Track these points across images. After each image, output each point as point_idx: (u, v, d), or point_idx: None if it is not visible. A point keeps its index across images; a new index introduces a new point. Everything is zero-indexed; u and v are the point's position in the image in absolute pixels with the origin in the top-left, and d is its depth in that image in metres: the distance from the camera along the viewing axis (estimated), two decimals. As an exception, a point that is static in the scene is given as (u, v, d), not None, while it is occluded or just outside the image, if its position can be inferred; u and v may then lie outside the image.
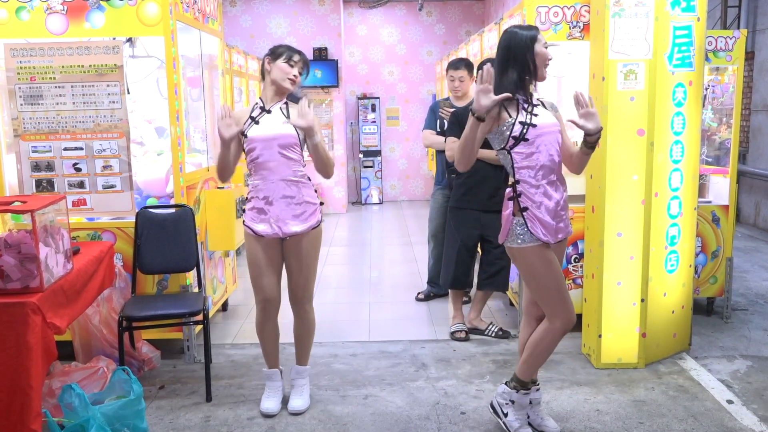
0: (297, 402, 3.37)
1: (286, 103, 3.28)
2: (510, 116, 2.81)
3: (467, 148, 2.81)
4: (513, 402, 3.05)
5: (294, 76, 3.22)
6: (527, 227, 2.83)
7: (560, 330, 2.91)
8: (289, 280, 3.35)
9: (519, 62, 2.80)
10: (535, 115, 2.82)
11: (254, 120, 3.21)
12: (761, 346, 4.16)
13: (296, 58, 3.23)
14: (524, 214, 2.83)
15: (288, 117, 3.22)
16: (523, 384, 3.03)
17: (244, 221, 3.30)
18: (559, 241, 2.93)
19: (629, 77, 3.58)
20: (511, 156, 2.84)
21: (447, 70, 4.85)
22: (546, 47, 2.85)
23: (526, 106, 2.84)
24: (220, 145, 3.21)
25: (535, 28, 2.88)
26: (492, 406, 3.14)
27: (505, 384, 3.09)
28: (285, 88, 3.23)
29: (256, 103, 3.28)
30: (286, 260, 3.31)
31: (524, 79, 2.82)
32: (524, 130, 2.79)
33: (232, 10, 9.87)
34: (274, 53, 3.24)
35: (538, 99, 2.90)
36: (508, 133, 2.81)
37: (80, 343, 3.66)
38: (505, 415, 3.07)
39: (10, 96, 3.81)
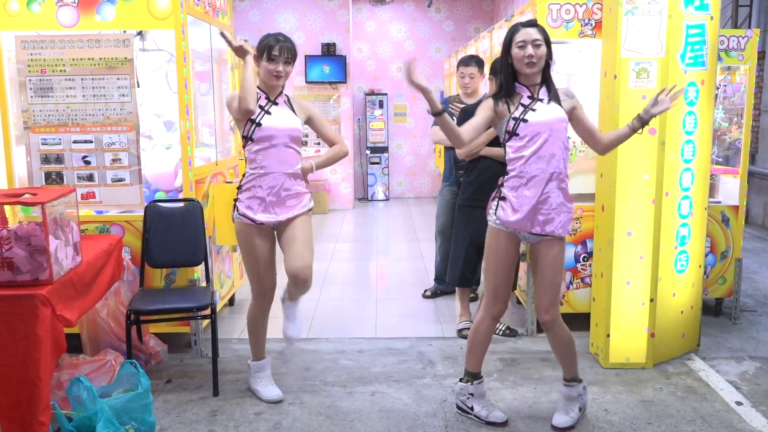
0: (294, 329, 3.48)
1: (287, 95, 3.31)
2: (509, 111, 2.95)
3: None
4: (473, 394, 3.20)
5: (277, 72, 3.16)
6: (501, 211, 2.99)
7: (488, 318, 3.12)
8: (290, 255, 3.26)
9: (503, 60, 2.97)
10: (533, 110, 2.91)
11: (264, 109, 3.19)
12: (770, 348, 4.14)
13: (275, 52, 3.14)
14: (500, 203, 3.00)
15: (293, 110, 3.27)
16: (475, 375, 3.20)
17: (237, 211, 3.24)
18: (536, 234, 2.99)
19: (641, 75, 3.56)
20: (506, 148, 3.00)
21: (458, 67, 4.83)
22: (522, 46, 2.87)
23: (526, 102, 2.94)
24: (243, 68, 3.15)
25: (523, 24, 2.93)
26: (458, 408, 3.27)
27: (460, 381, 3.25)
28: (274, 85, 3.23)
29: (258, 94, 3.20)
30: (284, 239, 3.30)
31: (510, 76, 2.96)
32: (515, 126, 2.91)
33: (240, 4, 9.86)
34: (259, 50, 3.19)
35: (546, 93, 2.96)
36: (504, 127, 2.96)
37: (88, 336, 3.67)
38: (471, 408, 3.20)
39: (21, 88, 3.81)
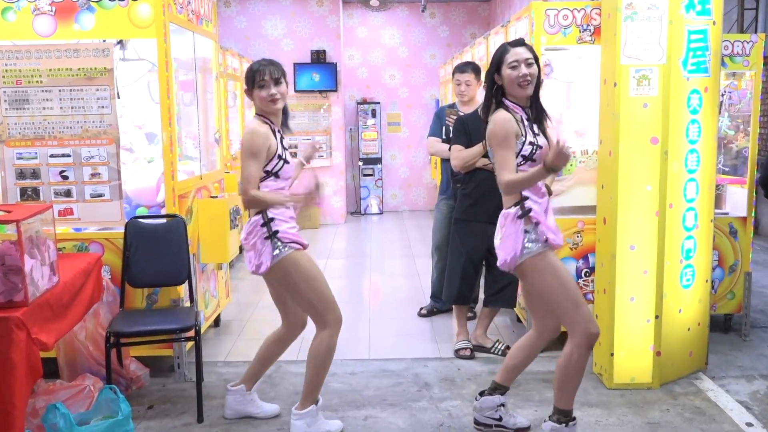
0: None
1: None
2: (522, 134, 2.94)
3: (522, 187, 2.92)
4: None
5: (271, 95, 3.12)
6: (542, 237, 2.94)
7: (585, 344, 2.97)
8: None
9: (490, 81, 3.03)
10: (537, 134, 3.00)
11: (283, 144, 3.20)
12: (782, 366, 4.16)
13: (260, 77, 3.10)
14: (537, 228, 2.94)
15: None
16: (567, 413, 3.08)
17: (282, 242, 3.12)
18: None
19: (642, 83, 3.60)
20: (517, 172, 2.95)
21: (453, 74, 4.89)
22: (515, 66, 2.93)
23: (527, 123, 2.99)
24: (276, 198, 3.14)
25: (512, 44, 3.01)
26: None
27: (549, 420, 3.11)
28: (275, 110, 3.19)
29: (270, 124, 3.17)
30: None
31: (498, 96, 3.02)
32: (533, 151, 2.95)
33: (226, 11, 9.93)
34: (246, 81, 3.16)
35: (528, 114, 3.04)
36: (518, 151, 2.94)
37: (65, 360, 3.67)
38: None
39: (-5, 100, 3.83)
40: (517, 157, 2.93)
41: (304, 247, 3.21)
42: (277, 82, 3.15)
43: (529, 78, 2.93)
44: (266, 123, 3.16)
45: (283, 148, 3.20)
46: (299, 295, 3.21)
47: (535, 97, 3.02)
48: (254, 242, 3.14)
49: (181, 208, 4.03)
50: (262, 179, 3.14)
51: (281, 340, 3.47)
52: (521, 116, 2.97)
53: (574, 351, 2.98)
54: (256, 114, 3.22)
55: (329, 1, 9.89)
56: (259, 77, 3.11)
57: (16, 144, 3.85)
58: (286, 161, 3.18)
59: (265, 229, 3.12)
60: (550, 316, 3.13)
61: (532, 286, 3.06)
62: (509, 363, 3.25)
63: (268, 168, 3.14)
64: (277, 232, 3.12)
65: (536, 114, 3.02)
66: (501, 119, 2.93)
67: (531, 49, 3.00)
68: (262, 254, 3.13)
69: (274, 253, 3.11)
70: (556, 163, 2.74)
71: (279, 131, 3.22)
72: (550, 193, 3.14)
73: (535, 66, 2.96)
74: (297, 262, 3.15)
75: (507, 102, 3.00)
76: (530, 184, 2.91)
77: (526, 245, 2.93)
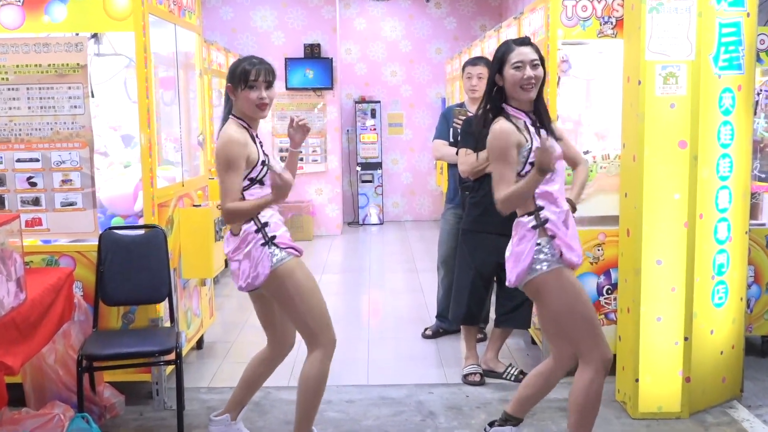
0: None
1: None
2: (526, 140, 2.96)
3: (519, 199, 2.93)
4: None
5: (260, 99, 3.12)
6: (560, 251, 2.94)
7: (603, 370, 3.00)
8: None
9: (491, 80, 3.07)
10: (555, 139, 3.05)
11: (263, 150, 3.22)
12: (825, 393, 4.16)
13: (252, 76, 3.09)
14: (553, 241, 2.95)
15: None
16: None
17: (279, 247, 3.14)
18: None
19: (669, 81, 3.62)
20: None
21: (463, 68, 4.92)
22: (520, 67, 2.96)
23: (532, 129, 3.01)
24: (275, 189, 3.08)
25: (517, 43, 3.04)
26: None
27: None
28: (260, 116, 3.20)
29: (248, 129, 3.17)
30: None
31: (498, 99, 3.05)
32: None
33: (211, 1, 9.98)
34: (233, 78, 3.12)
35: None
36: (525, 159, 2.96)
37: (32, 386, 3.67)
38: None
39: (-43, 99, 3.86)
40: (525, 166, 2.95)
41: (300, 253, 3.23)
42: (268, 86, 3.16)
43: (533, 81, 2.96)
44: (244, 128, 3.15)
45: (265, 153, 3.21)
46: (292, 310, 3.20)
47: (538, 100, 3.05)
48: (248, 251, 3.11)
49: (160, 218, 4.04)
50: (247, 187, 3.14)
51: (268, 361, 3.46)
52: (525, 122, 3.00)
53: (594, 380, 2.99)
54: (233, 116, 3.19)
55: (324, -9, 9.95)
56: (252, 77, 3.10)
57: (-20, 147, 3.87)
58: (269, 167, 3.19)
59: (260, 236, 3.12)
60: (566, 342, 3.13)
61: (543, 308, 3.08)
62: (523, 393, 3.25)
63: (252, 175, 3.14)
64: (274, 237, 3.14)
65: (540, 117, 3.06)
66: (499, 131, 2.95)
67: (537, 50, 3.03)
68: (259, 263, 3.10)
69: (273, 261, 3.11)
70: (540, 160, 2.77)
71: (257, 137, 3.22)
72: (574, 209, 3.14)
73: (540, 69, 2.99)
74: (293, 271, 3.17)
75: (508, 109, 3.03)
76: (526, 194, 2.90)
77: (537, 261, 2.94)
